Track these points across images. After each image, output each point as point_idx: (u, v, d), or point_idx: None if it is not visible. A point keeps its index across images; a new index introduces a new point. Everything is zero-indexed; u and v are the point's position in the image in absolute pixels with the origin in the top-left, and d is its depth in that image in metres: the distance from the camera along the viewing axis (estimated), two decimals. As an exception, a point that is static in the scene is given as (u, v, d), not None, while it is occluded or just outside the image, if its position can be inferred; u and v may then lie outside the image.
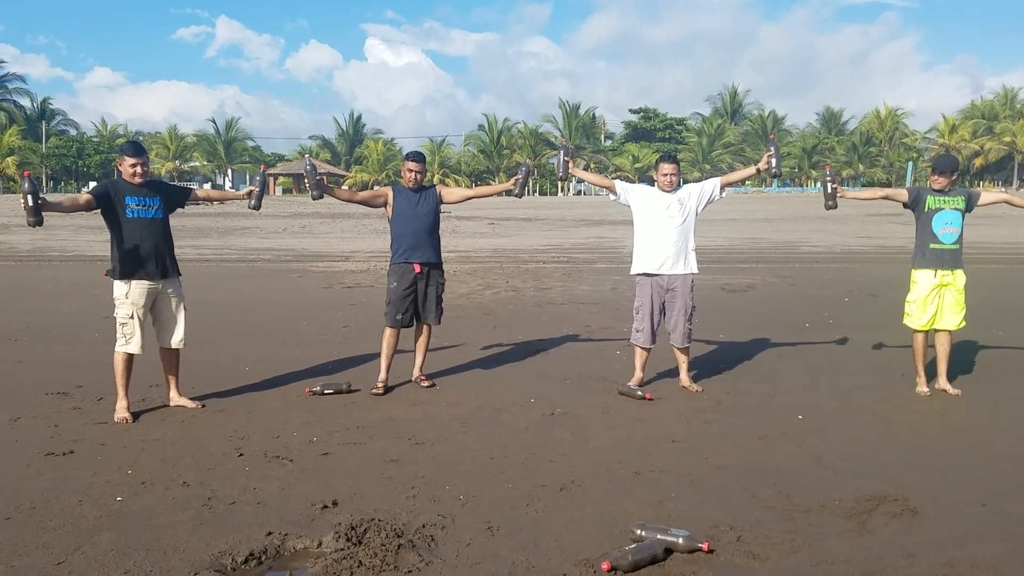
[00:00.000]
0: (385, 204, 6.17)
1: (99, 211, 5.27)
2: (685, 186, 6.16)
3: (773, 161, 5.99)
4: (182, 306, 5.56)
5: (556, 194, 75.57)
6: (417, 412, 5.53)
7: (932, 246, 5.94)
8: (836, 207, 6.27)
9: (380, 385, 6.02)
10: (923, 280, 5.97)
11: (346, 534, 3.44)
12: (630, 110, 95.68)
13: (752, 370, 6.79)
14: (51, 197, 5.40)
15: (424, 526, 3.60)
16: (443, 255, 6.35)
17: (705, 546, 3.33)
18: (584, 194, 74.34)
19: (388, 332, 6.13)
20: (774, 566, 3.25)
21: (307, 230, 28.23)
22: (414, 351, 6.30)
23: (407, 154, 6.29)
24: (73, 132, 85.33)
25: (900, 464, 4.45)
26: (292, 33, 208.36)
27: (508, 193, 6.37)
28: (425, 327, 6.24)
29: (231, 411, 5.49)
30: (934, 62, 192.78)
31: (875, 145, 79.59)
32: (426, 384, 6.18)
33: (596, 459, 4.53)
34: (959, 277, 5.95)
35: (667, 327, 6.17)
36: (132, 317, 5.30)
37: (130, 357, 5.37)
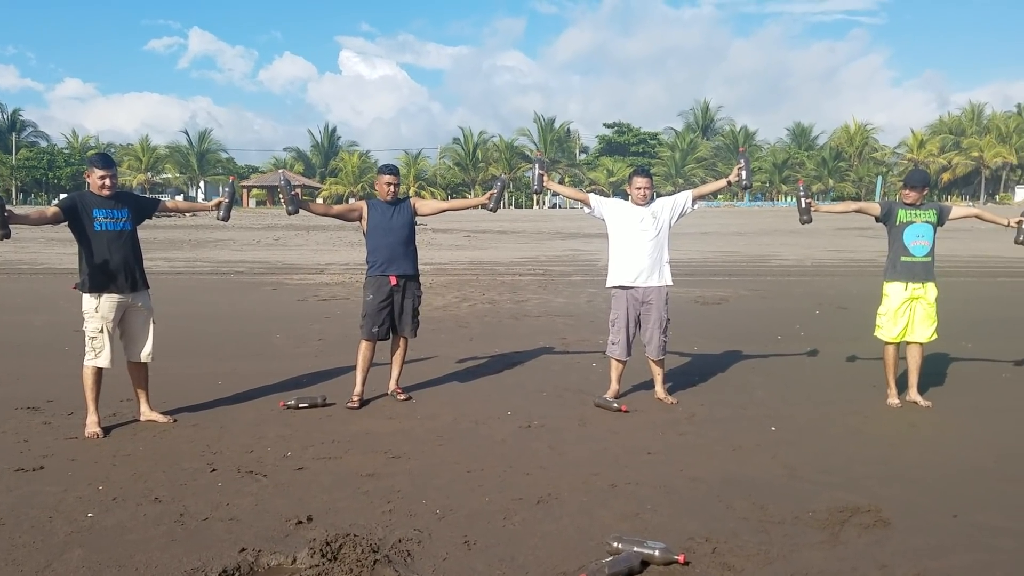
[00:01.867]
0: (360, 218, 6.16)
1: (67, 224, 5.21)
2: (658, 199, 6.22)
3: (743, 173, 6.07)
4: (151, 319, 5.50)
5: (532, 207, 75.75)
6: (393, 425, 5.50)
7: (904, 259, 6.02)
8: (811, 221, 6.36)
9: (355, 399, 5.98)
10: (894, 293, 6.06)
11: (321, 550, 3.41)
12: (604, 124, 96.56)
13: (726, 382, 6.84)
14: (19, 210, 5.34)
15: (400, 541, 3.57)
16: (420, 267, 6.35)
17: (681, 558, 3.34)
18: (560, 207, 74.59)
19: (364, 345, 6.10)
20: (749, 577, 3.27)
21: (281, 242, 28.06)
22: (390, 364, 6.28)
23: (381, 167, 6.29)
24: (44, 144, 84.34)
25: (872, 475, 4.50)
26: (266, 45, 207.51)
27: (483, 207, 6.38)
28: (401, 340, 6.22)
29: (204, 425, 5.43)
30: (903, 78, 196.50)
31: (845, 160, 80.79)
32: (402, 397, 6.16)
33: (573, 472, 4.54)
34: (930, 290, 6.04)
35: (642, 339, 6.21)
36: (101, 331, 5.23)
37: (99, 371, 5.30)
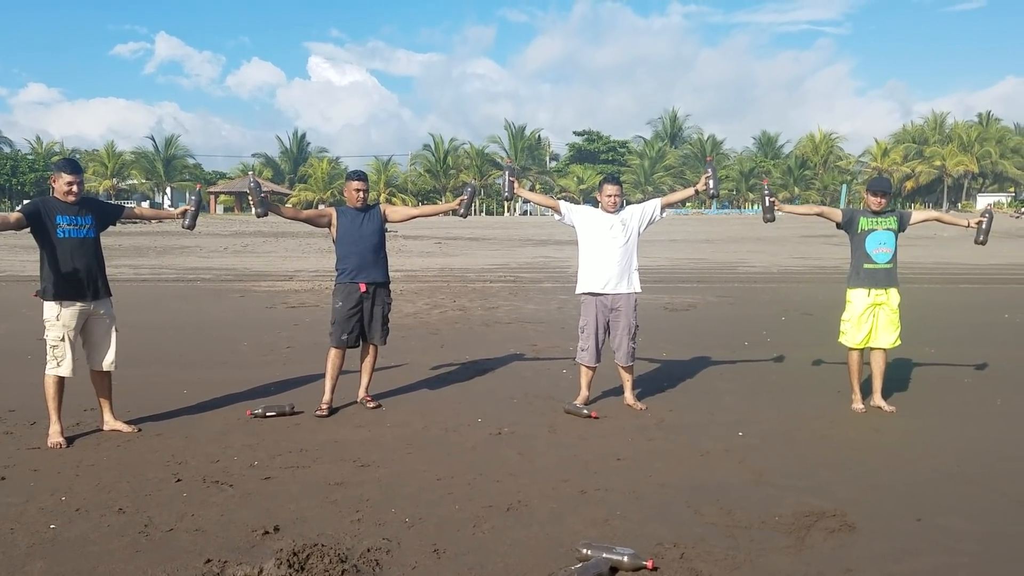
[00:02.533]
0: (329, 225, 6.13)
1: (29, 230, 5.12)
2: (628, 207, 6.27)
3: (711, 182, 6.15)
4: (113, 327, 5.42)
5: (503, 214, 75.87)
6: (362, 434, 5.47)
7: (866, 266, 6.12)
8: (774, 220, 6.47)
9: (324, 407, 5.94)
10: (857, 299, 6.15)
11: (288, 560, 3.37)
12: (574, 132, 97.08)
13: (694, 388, 6.90)
14: (-19, 215, 5.24)
15: (369, 550, 3.55)
16: (391, 274, 6.33)
17: (650, 564, 3.36)
18: (531, 214, 74.78)
19: (333, 353, 6.06)
20: (717, 582, 3.29)
21: (249, 249, 27.79)
22: (360, 371, 6.24)
23: (350, 173, 6.27)
24: (7, 149, 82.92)
25: (838, 480, 4.56)
26: (233, 50, 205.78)
27: (454, 213, 6.38)
28: (371, 348, 6.18)
29: (168, 435, 5.35)
30: (867, 87, 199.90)
31: (810, 168, 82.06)
32: (372, 406, 6.12)
33: (543, 478, 4.54)
34: (893, 296, 6.14)
35: (612, 346, 6.24)
36: (63, 339, 5.15)
37: (61, 380, 5.21)
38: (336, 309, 6.04)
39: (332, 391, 6.04)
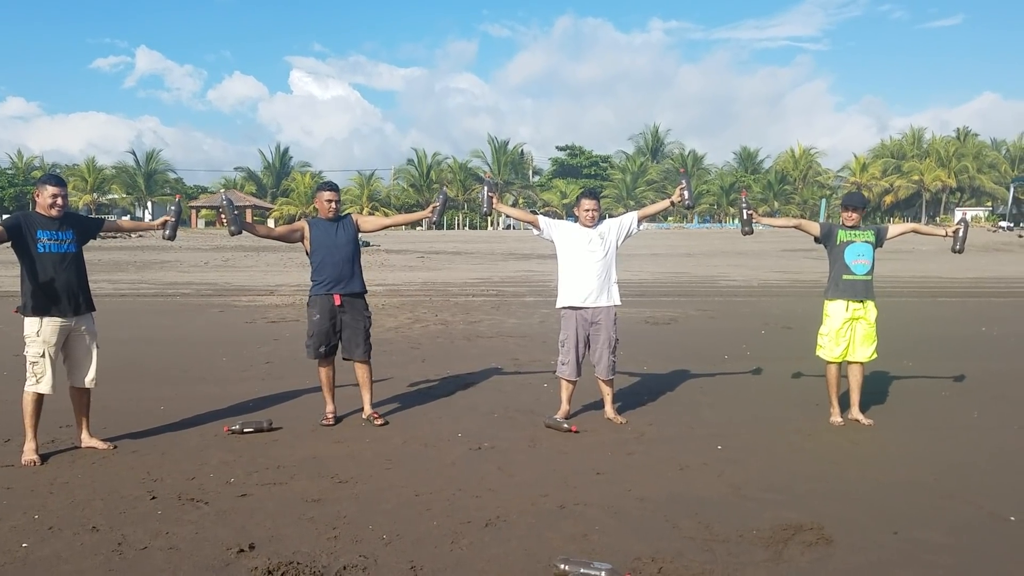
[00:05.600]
0: (302, 238, 6.12)
1: (10, 244, 5.07)
2: (605, 221, 6.29)
3: (686, 193, 6.19)
4: (95, 344, 5.36)
5: (486, 228, 75.88)
6: (341, 449, 5.43)
7: (845, 277, 6.17)
8: (752, 232, 6.52)
9: (329, 416, 6.04)
10: (835, 312, 6.20)
11: (264, 578, 3.34)
12: (557, 147, 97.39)
13: (674, 401, 6.91)
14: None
15: (345, 568, 3.52)
16: (372, 288, 6.31)
17: (628, 579, 3.36)
18: (513, 228, 74.79)
19: (320, 367, 6.07)
20: (695, 597, 3.29)
21: (230, 263, 27.63)
22: (359, 388, 6.21)
23: (320, 185, 6.31)
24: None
25: (815, 493, 4.58)
26: (215, 64, 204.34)
27: (427, 220, 6.44)
28: (359, 366, 6.14)
29: (144, 452, 5.30)
30: (846, 103, 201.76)
31: (790, 183, 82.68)
32: (379, 423, 6.04)
33: (522, 493, 4.53)
34: (870, 310, 6.19)
35: (592, 360, 6.24)
36: (43, 355, 5.09)
37: (40, 397, 5.15)
38: (313, 321, 6.02)
39: (332, 401, 6.11)
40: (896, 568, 3.60)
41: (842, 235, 6.22)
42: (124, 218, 73.40)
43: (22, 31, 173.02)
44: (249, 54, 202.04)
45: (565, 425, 5.89)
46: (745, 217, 6.39)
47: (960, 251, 6.44)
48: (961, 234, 6.41)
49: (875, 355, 6.27)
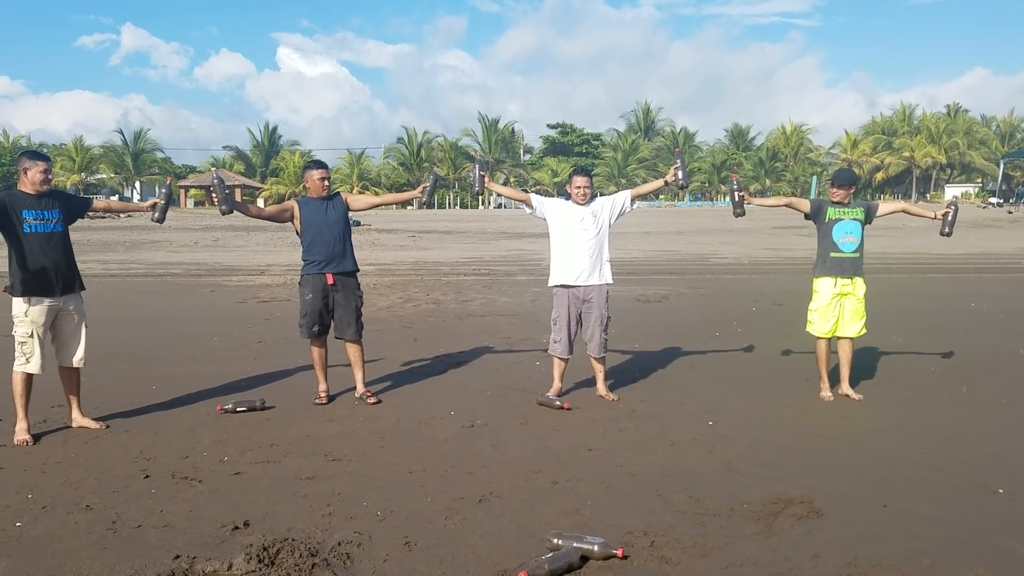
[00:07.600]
0: (292, 218, 6.09)
1: None
2: (598, 199, 6.28)
3: (680, 173, 6.18)
4: (83, 323, 5.35)
5: (477, 207, 75.72)
6: (334, 428, 5.45)
7: (833, 254, 6.19)
8: (744, 214, 6.53)
9: (322, 394, 6.05)
10: (824, 289, 6.22)
11: (258, 555, 3.36)
12: (548, 125, 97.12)
13: (665, 378, 6.95)
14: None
15: (340, 544, 3.54)
16: (364, 267, 6.31)
17: (620, 552, 3.39)
18: (505, 207, 74.68)
19: (312, 347, 6.06)
20: (685, 570, 3.33)
21: (220, 243, 27.52)
22: (351, 368, 6.22)
23: (309, 163, 6.29)
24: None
25: (805, 467, 4.62)
26: (201, 41, 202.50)
27: (417, 199, 6.41)
28: (351, 346, 6.14)
29: (137, 431, 5.30)
30: (837, 79, 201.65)
31: (781, 160, 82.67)
32: (372, 401, 6.06)
33: (515, 470, 4.56)
34: (859, 286, 6.22)
35: (584, 337, 6.26)
36: (32, 336, 5.07)
37: (29, 377, 5.14)
38: (306, 301, 6.00)
39: (325, 380, 6.13)
40: (885, 540, 3.64)
41: (831, 212, 6.22)
42: (113, 198, 72.86)
43: (5, 7, 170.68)
44: (236, 30, 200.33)
45: (557, 402, 5.91)
46: (736, 199, 6.38)
47: (948, 234, 6.45)
48: (950, 218, 6.41)
49: (864, 331, 6.31)
